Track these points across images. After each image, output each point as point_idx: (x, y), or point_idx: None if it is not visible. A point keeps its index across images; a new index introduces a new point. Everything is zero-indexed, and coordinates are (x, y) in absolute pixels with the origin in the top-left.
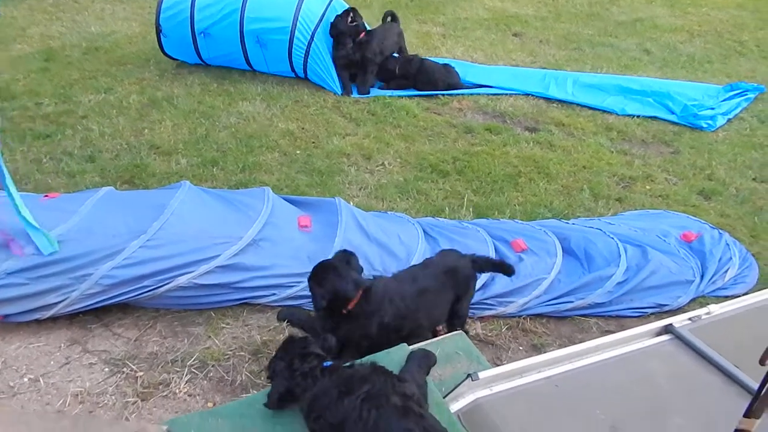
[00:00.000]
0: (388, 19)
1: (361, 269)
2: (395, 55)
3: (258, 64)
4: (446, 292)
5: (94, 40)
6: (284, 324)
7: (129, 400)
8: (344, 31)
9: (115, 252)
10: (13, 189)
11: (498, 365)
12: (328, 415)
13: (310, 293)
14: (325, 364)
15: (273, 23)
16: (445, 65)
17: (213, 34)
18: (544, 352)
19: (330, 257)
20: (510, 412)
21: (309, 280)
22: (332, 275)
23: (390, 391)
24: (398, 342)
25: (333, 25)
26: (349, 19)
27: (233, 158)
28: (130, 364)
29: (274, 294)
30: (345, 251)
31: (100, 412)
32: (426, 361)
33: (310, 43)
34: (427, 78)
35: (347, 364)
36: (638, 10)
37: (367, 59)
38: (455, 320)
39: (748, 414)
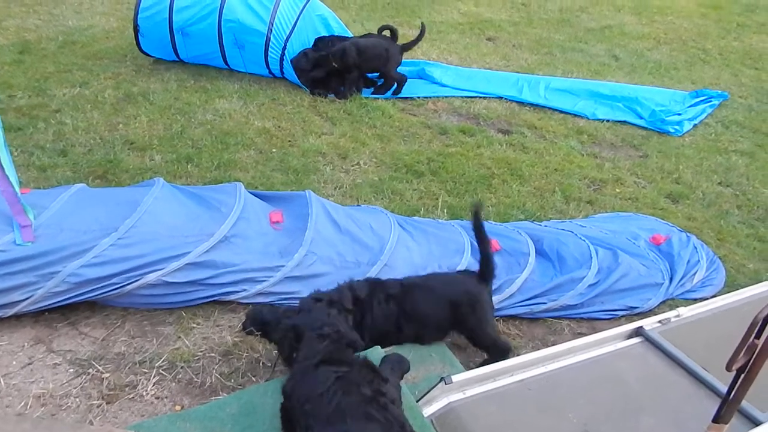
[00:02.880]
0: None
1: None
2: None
3: (236, 65)
4: (442, 303)
5: (71, 33)
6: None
7: (94, 402)
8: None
9: (84, 249)
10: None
11: (471, 368)
12: (300, 381)
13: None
14: None
15: (250, 24)
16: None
17: (191, 33)
18: (518, 355)
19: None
20: (483, 416)
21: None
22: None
23: (365, 383)
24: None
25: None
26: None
27: (208, 155)
28: (96, 365)
29: (244, 290)
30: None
31: (63, 414)
32: (399, 365)
33: (285, 46)
34: (369, 58)
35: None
36: (607, 17)
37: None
38: (478, 344)
39: (717, 419)
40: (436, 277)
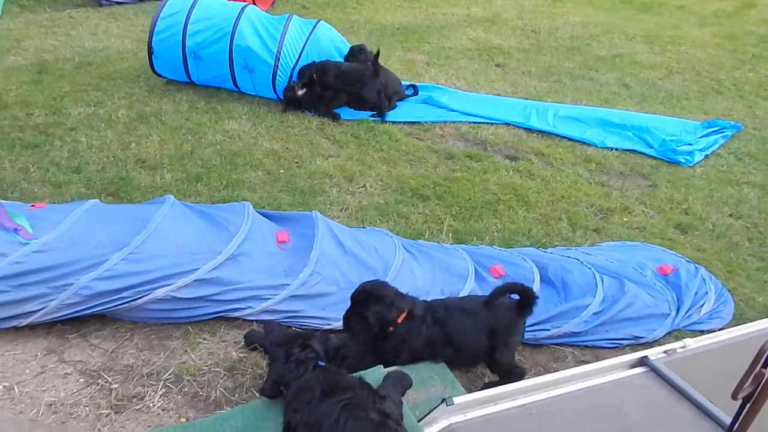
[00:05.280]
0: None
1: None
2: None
3: (246, 88)
4: (482, 328)
5: (87, 54)
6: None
7: (102, 412)
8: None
9: (96, 263)
10: None
11: (473, 391)
12: (306, 413)
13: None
14: (319, 363)
15: (259, 51)
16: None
17: (204, 56)
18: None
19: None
20: None
21: (350, 310)
22: (374, 301)
23: (370, 405)
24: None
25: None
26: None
27: (217, 175)
28: (105, 376)
29: (250, 307)
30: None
31: (73, 423)
32: (402, 381)
33: (293, 69)
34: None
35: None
36: (618, 46)
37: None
38: (496, 369)
39: None
40: (474, 301)
